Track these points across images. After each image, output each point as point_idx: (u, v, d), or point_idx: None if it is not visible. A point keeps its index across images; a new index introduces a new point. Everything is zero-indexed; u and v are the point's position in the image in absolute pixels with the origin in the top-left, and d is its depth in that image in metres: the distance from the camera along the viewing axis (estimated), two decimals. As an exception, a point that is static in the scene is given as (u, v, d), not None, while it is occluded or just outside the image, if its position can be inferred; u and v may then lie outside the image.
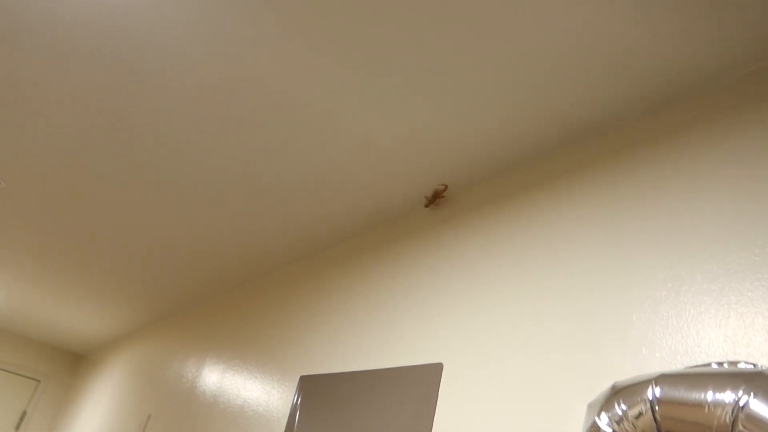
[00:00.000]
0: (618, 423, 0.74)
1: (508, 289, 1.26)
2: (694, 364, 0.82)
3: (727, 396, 0.66)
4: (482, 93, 1.24)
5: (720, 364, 0.77)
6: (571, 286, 1.12)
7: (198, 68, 1.37)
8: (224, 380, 2.29)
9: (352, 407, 1.49)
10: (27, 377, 4.86)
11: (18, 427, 4.74)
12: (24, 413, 4.78)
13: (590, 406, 0.81)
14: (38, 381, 4.90)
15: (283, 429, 1.75)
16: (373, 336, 1.60)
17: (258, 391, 2.01)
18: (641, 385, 0.75)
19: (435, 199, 1.64)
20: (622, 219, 1.10)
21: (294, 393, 1.78)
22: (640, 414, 0.72)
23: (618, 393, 0.77)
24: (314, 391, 1.67)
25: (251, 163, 1.69)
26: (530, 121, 1.28)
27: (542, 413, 1.02)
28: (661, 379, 0.73)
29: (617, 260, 1.06)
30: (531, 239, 1.28)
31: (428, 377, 1.32)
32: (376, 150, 1.51)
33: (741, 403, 0.64)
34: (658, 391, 0.72)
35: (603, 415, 0.76)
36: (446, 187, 1.62)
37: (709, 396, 0.67)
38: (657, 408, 0.71)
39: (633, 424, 0.72)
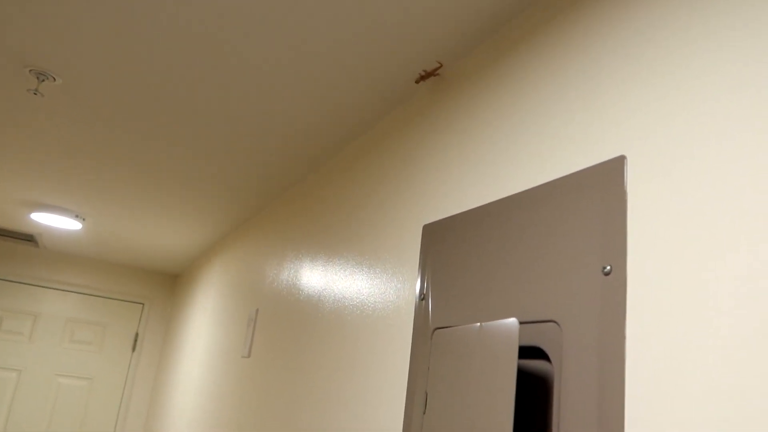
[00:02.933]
0: None
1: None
2: None
3: None
4: None
5: None
6: None
7: None
8: (328, 267, 2.06)
9: (497, 244, 1.18)
10: (132, 302, 4.96)
11: (134, 347, 4.90)
12: (137, 335, 4.92)
13: None
14: (142, 304, 5.00)
15: (415, 298, 1.48)
16: (496, 160, 1.26)
17: (365, 271, 1.75)
18: None
19: (428, 76, 1.55)
20: None
21: (418, 251, 1.50)
22: None
23: None
24: (443, 240, 1.38)
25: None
26: None
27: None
28: None
29: None
30: None
31: (598, 181, 0.98)
32: None
33: None
34: None
35: None
36: (440, 65, 1.54)
37: None
38: None
39: None
